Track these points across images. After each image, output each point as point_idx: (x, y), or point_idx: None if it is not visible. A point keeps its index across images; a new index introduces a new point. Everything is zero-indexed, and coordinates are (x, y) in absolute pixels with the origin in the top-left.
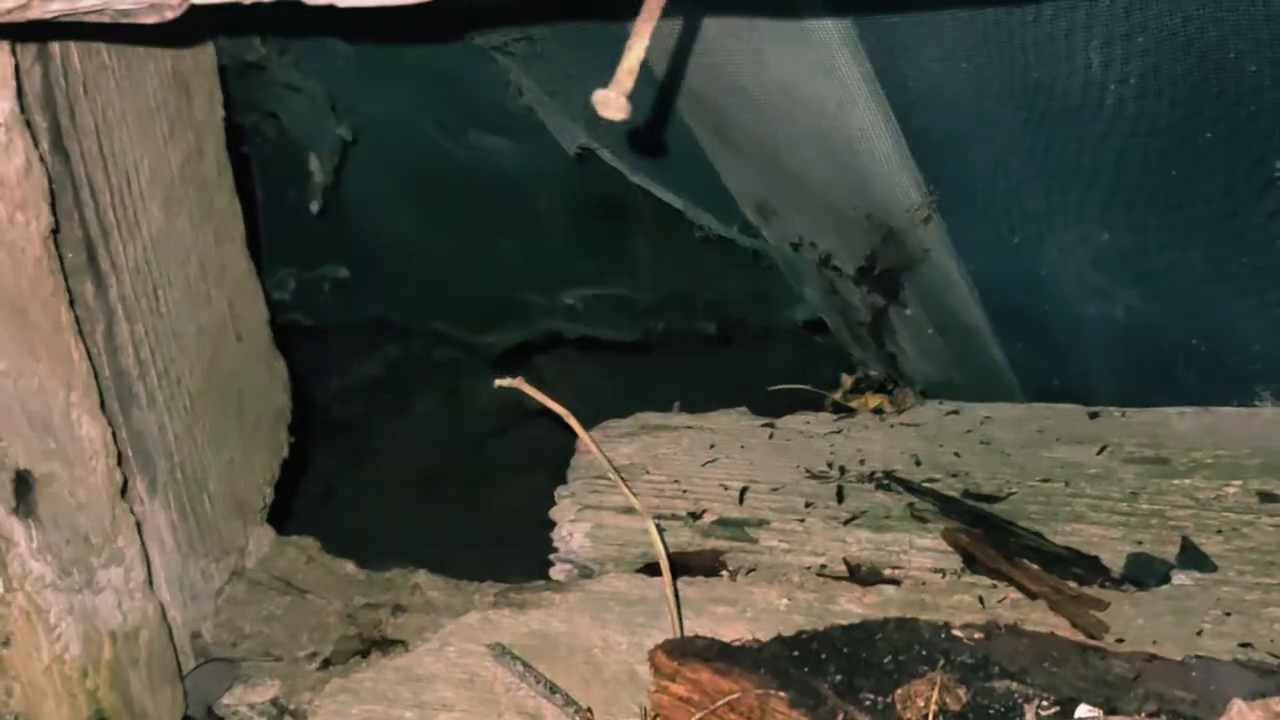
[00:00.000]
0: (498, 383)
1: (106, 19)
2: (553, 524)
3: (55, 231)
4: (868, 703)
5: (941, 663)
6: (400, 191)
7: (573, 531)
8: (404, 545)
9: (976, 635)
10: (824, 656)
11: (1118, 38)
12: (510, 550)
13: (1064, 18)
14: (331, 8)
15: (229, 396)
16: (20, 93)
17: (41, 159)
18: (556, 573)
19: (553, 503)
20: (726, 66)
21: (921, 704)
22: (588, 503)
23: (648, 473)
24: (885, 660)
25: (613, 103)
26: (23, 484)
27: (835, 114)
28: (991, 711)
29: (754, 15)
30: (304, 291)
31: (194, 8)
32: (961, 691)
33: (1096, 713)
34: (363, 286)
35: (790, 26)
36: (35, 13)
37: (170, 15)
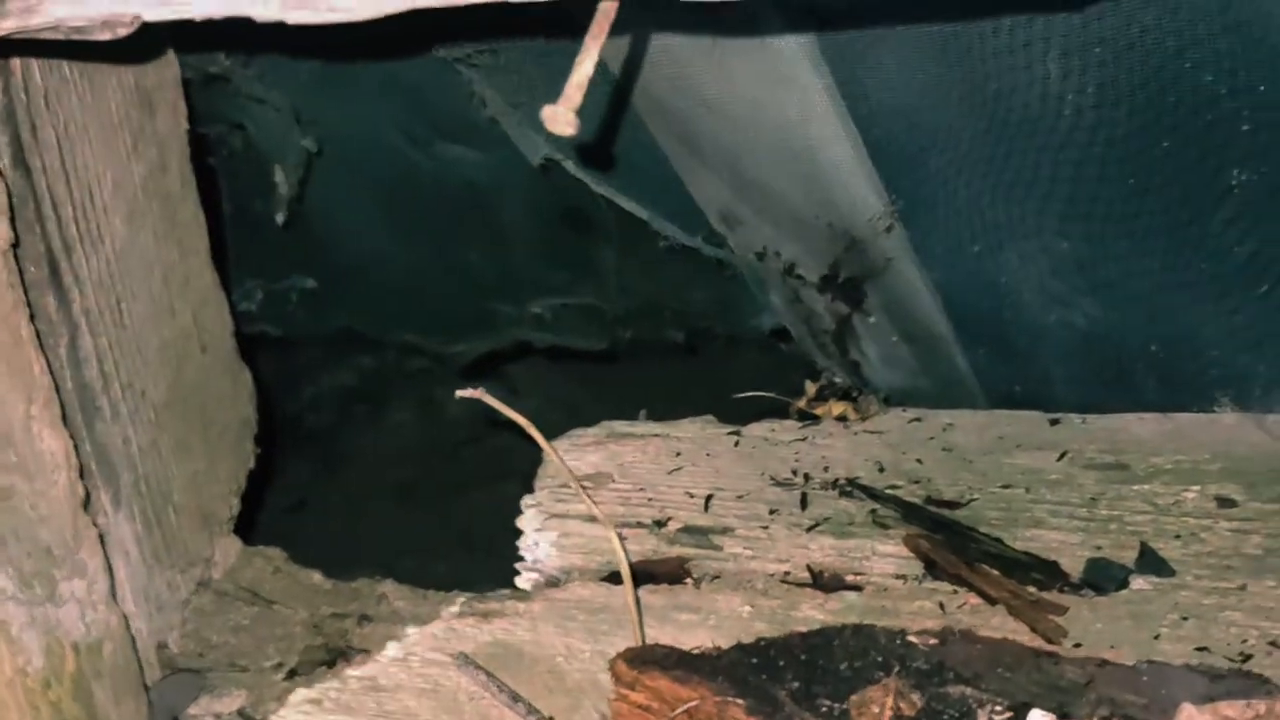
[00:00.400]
0: (459, 393)
1: (60, 36)
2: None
3: (15, 246)
4: (824, 709)
5: (897, 669)
6: (367, 202)
7: (539, 540)
8: (374, 556)
9: (931, 641)
10: (782, 664)
11: (1075, 49)
12: (481, 560)
13: (1023, 29)
14: (281, 24)
15: (193, 408)
16: None
17: (1, 174)
18: (523, 581)
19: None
20: (691, 79)
21: (877, 710)
22: (554, 511)
23: (614, 481)
24: (842, 667)
25: (561, 118)
26: None
27: (798, 125)
28: (946, 716)
29: (713, 30)
30: (271, 303)
31: (146, 25)
32: (916, 697)
33: (1049, 717)
34: (330, 297)
35: (753, 40)
36: None
37: (123, 32)
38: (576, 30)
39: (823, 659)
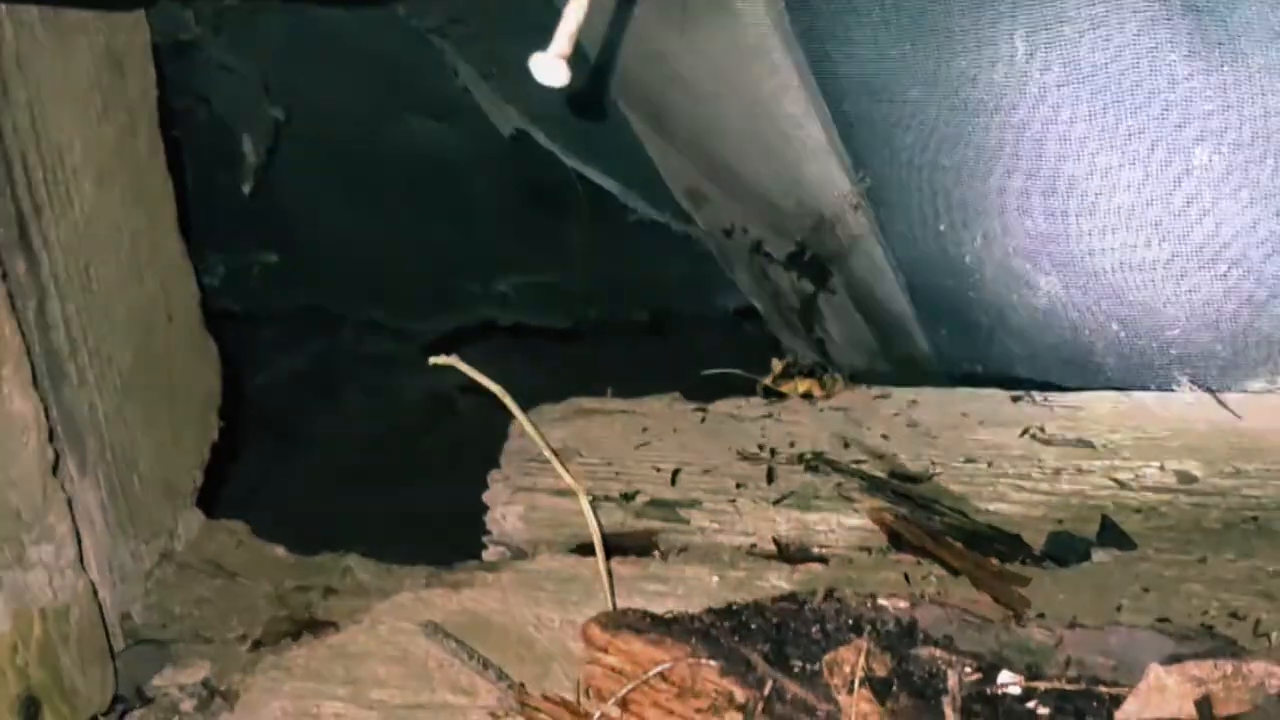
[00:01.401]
0: (432, 360)
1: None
2: (481, 516)
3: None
4: (796, 670)
5: (868, 630)
6: (331, 176)
7: (506, 514)
8: (333, 535)
9: (902, 604)
10: (754, 627)
11: (1041, 27)
12: (438, 542)
13: (990, 7)
14: None
15: (160, 377)
16: None
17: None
18: (489, 555)
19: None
20: (662, 53)
21: (848, 670)
22: (520, 485)
23: (580, 455)
24: (814, 630)
25: (550, 66)
26: None
27: (768, 101)
28: (916, 678)
29: (684, 4)
30: (233, 278)
31: None
32: (887, 658)
33: (1018, 678)
34: (292, 273)
35: (725, 15)
36: None
37: None
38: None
39: (794, 622)
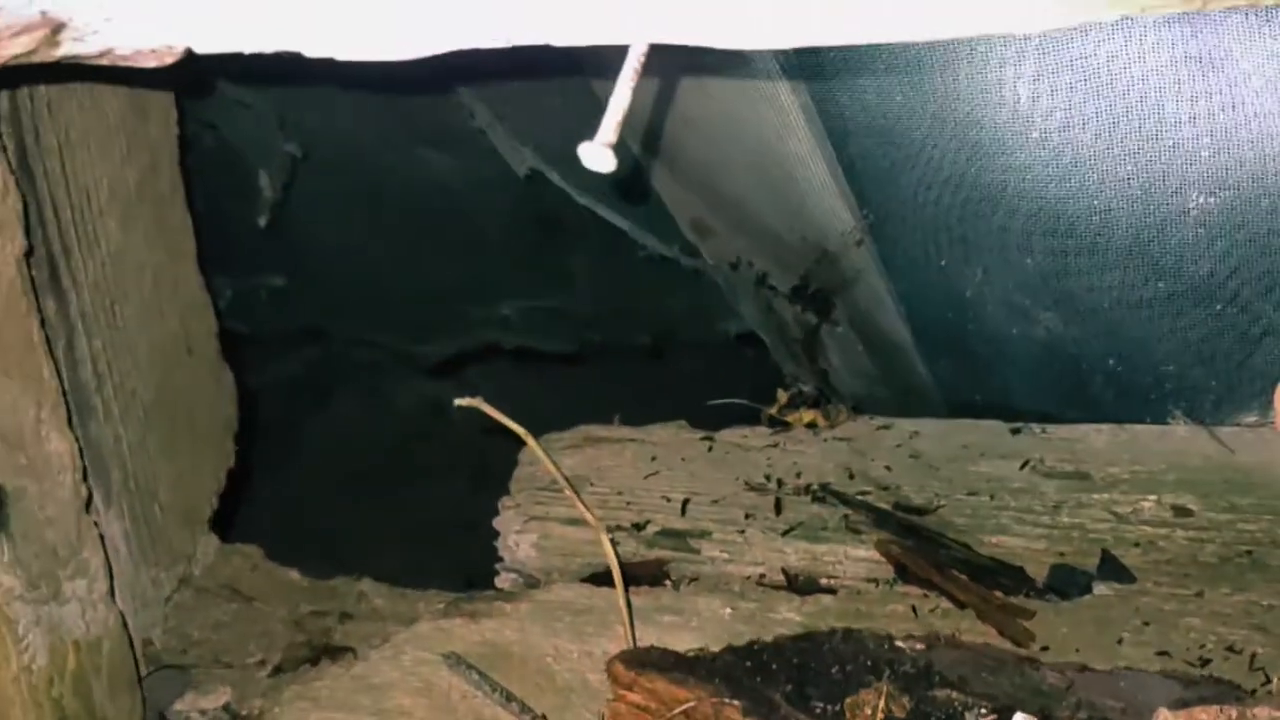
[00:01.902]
0: (458, 402)
1: (106, 62)
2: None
3: (29, 254)
4: (818, 710)
5: (887, 673)
6: (341, 204)
7: (519, 542)
8: (329, 550)
9: (918, 646)
10: (775, 666)
11: (1045, 74)
12: (435, 555)
13: (995, 53)
14: (330, 60)
15: (180, 408)
16: None
17: (16, 184)
18: (502, 582)
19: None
20: (673, 96)
21: (869, 711)
22: (533, 514)
23: (591, 484)
24: (833, 670)
25: (598, 154)
26: None
27: (775, 142)
28: (934, 718)
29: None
30: (240, 300)
31: (191, 53)
32: (906, 700)
33: (1032, 719)
34: (300, 296)
35: (734, 60)
36: (40, 57)
37: (170, 61)
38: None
39: (814, 662)
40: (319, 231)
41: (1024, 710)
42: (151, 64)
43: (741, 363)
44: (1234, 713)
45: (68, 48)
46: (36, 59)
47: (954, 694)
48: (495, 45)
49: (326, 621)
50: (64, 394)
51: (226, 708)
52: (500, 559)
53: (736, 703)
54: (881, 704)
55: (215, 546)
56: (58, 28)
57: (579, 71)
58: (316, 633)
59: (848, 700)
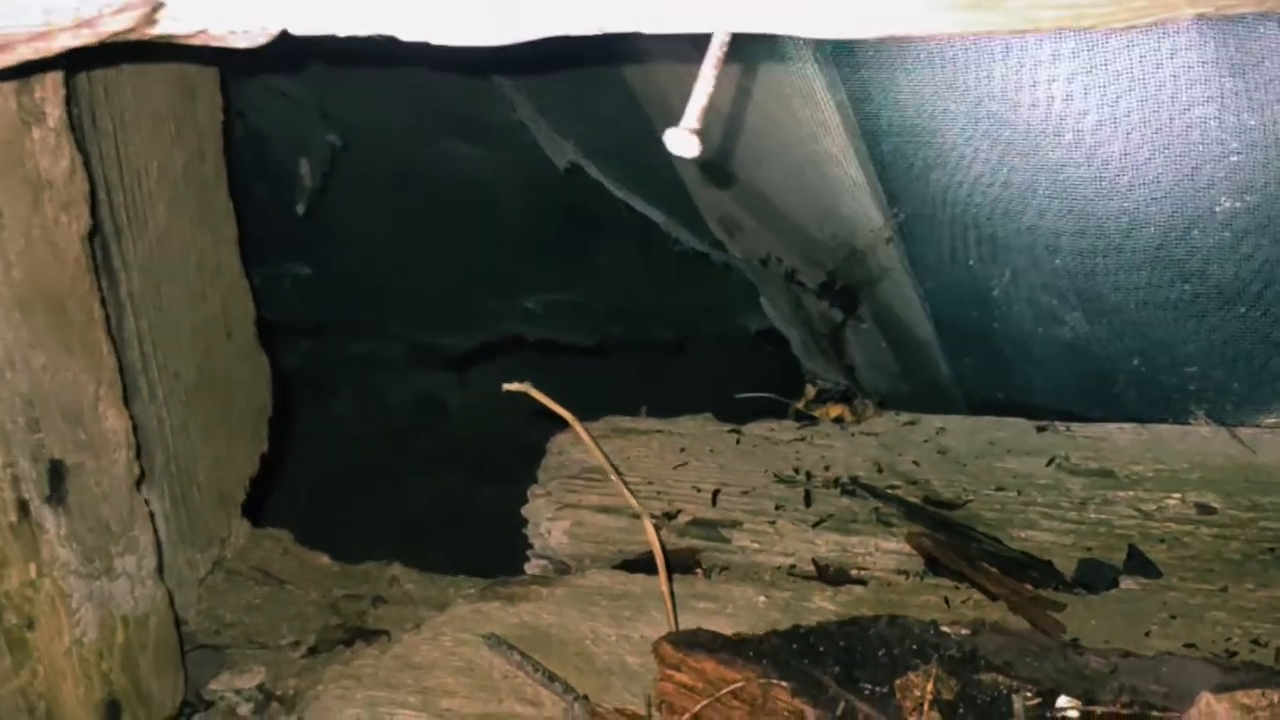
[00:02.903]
0: (506, 387)
1: (199, 42)
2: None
3: (93, 233)
4: (866, 692)
5: (934, 657)
6: (370, 194)
7: (551, 529)
8: (350, 537)
9: (964, 631)
10: (822, 649)
11: (1079, 75)
12: (429, 546)
13: (1030, 54)
14: (425, 44)
15: (219, 391)
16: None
17: (86, 163)
18: (532, 568)
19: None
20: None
21: (918, 693)
22: (566, 501)
23: (621, 475)
24: (879, 654)
25: (683, 140)
26: (56, 474)
27: (808, 139)
28: (979, 701)
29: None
30: (265, 288)
31: (286, 34)
32: (953, 682)
33: (1076, 702)
34: (325, 285)
35: (771, 56)
36: (136, 35)
37: (262, 41)
38: (607, 47)
39: (860, 646)
40: (344, 221)
41: (1068, 694)
42: (243, 45)
43: (763, 359)
44: (1276, 696)
45: (164, 26)
46: (133, 37)
47: (1000, 677)
48: (587, 32)
49: (360, 604)
50: (120, 372)
51: (261, 687)
52: (530, 546)
53: (785, 683)
54: (930, 686)
55: (246, 530)
56: (157, 6)
57: (616, 65)
58: (351, 615)
59: (897, 681)
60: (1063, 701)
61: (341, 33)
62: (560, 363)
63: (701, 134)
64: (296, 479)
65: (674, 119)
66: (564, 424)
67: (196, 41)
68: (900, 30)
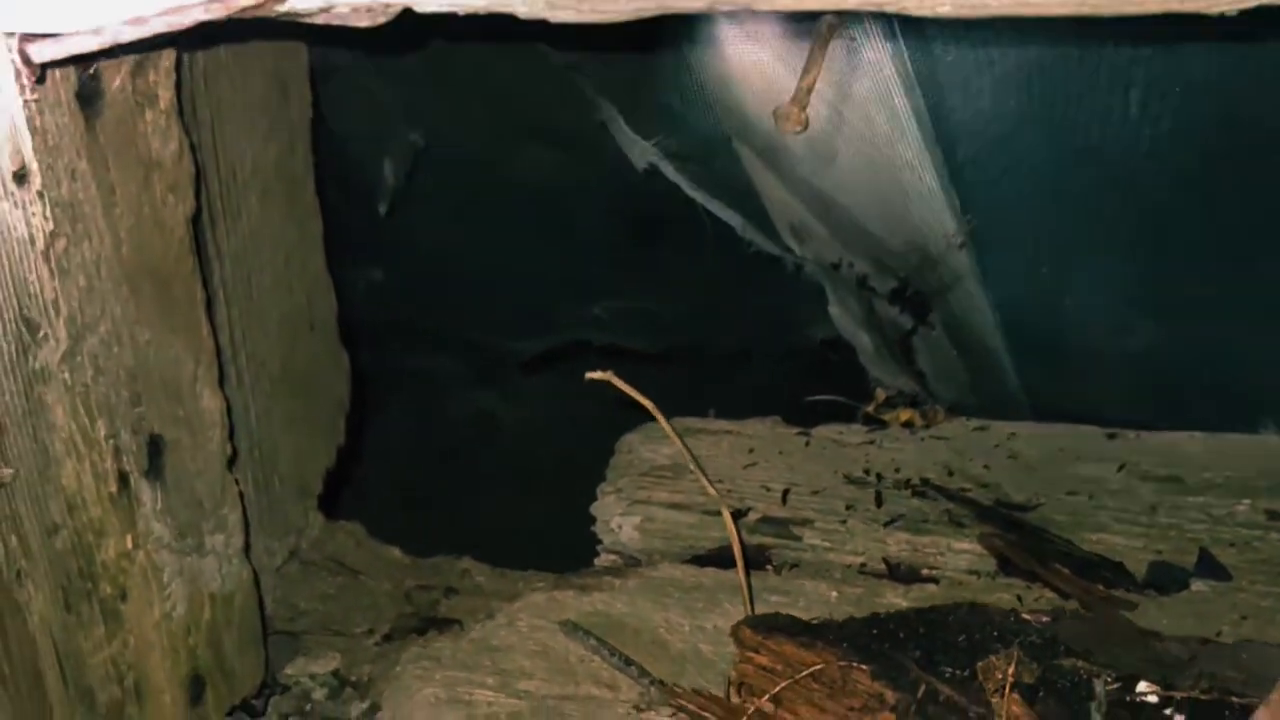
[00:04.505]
0: (588, 376)
1: (321, 21)
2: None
3: (199, 216)
4: (948, 675)
5: (1015, 642)
6: (445, 200)
7: (622, 524)
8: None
9: (1044, 619)
10: (902, 635)
11: (1156, 86)
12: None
13: (1108, 63)
14: (543, 22)
15: (301, 383)
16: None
17: (193, 147)
18: (602, 562)
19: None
20: (779, 96)
21: (1000, 676)
22: (636, 498)
23: (691, 473)
24: (960, 639)
25: (792, 116)
26: (154, 448)
27: (883, 144)
28: (1060, 685)
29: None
30: (337, 291)
31: (409, 12)
32: (1034, 666)
33: (1155, 688)
34: (396, 289)
35: (848, 60)
36: (264, 12)
37: (382, 20)
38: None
39: (940, 632)
40: (417, 226)
41: (1147, 679)
42: (365, 24)
43: (828, 367)
44: None
45: (291, 3)
46: (261, 14)
47: (1080, 663)
48: (697, 9)
49: (432, 595)
50: (217, 353)
51: (335, 673)
52: (599, 542)
53: (865, 666)
54: (1011, 670)
55: (320, 522)
56: None
57: (693, 69)
58: (424, 605)
59: (979, 665)
60: (1142, 687)
61: (461, 10)
62: (624, 369)
63: (806, 112)
64: (364, 476)
65: (747, 120)
66: (630, 424)
67: (319, 20)
68: (1008, 10)
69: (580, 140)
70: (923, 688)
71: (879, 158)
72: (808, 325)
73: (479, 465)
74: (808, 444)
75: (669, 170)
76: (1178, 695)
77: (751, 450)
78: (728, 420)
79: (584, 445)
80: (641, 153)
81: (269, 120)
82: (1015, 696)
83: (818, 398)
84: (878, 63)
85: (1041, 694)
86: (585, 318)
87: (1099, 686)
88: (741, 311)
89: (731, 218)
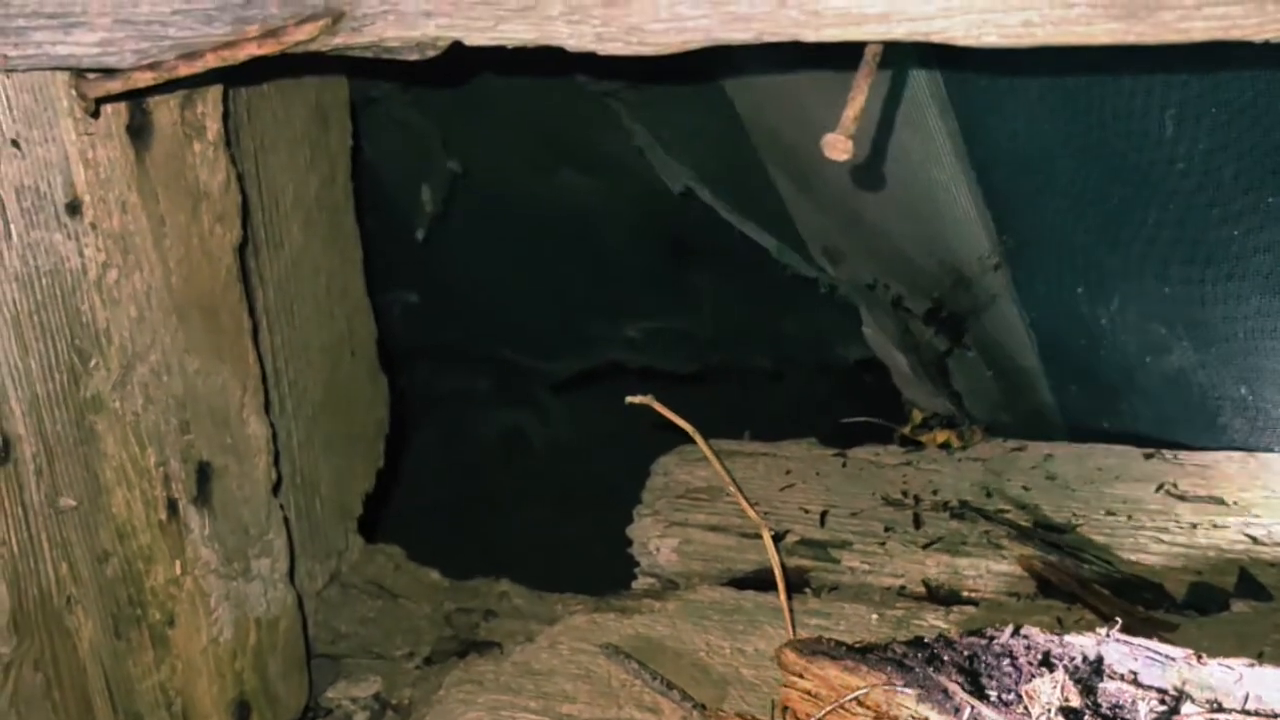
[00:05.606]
0: (629, 399)
1: (370, 54)
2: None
3: (244, 245)
4: (992, 699)
5: (1061, 664)
6: (481, 223)
7: (659, 547)
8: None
9: (1088, 642)
10: (945, 658)
11: (1191, 107)
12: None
13: (1143, 85)
14: (591, 55)
15: (342, 408)
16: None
17: (240, 177)
18: (640, 584)
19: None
20: (811, 118)
21: (1046, 700)
22: (673, 520)
23: (728, 495)
24: (1004, 663)
25: (839, 145)
26: (203, 475)
27: (917, 167)
28: (1105, 708)
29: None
30: (375, 316)
31: (459, 45)
32: (1078, 689)
33: (1201, 711)
34: (432, 312)
35: (883, 83)
36: (316, 46)
37: (432, 54)
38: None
39: (985, 655)
40: (454, 250)
41: (1193, 703)
42: (414, 57)
43: (862, 387)
44: None
45: (343, 38)
46: (313, 48)
47: (1125, 686)
48: (746, 40)
49: (472, 618)
50: (262, 380)
51: (377, 696)
52: (636, 564)
53: (910, 690)
54: (1058, 692)
55: (360, 545)
56: (338, 17)
57: (727, 96)
58: (463, 628)
59: (1024, 688)
60: (1188, 709)
61: (512, 44)
62: (658, 390)
63: (853, 140)
64: (401, 498)
65: (779, 143)
66: (664, 446)
67: (369, 53)
68: (1054, 39)
69: (616, 165)
70: (968, 711)
71: (913, 180)
72: (841, 346)
73: (513, 487)
74: (844, 465)
75: (704, 194)
76: (1223, 718)
77: (788, 472)
78: (763, 442)
79: (618, 466)
80: (676, 177)
81: (311, 150)
82: (1060, 719)
83: (853, 419)
84: (912, 85)
85: (1087, 717)
86: (620, 340)
87: (1144, 709)
88: (775, 333)
89: (766, 240)
